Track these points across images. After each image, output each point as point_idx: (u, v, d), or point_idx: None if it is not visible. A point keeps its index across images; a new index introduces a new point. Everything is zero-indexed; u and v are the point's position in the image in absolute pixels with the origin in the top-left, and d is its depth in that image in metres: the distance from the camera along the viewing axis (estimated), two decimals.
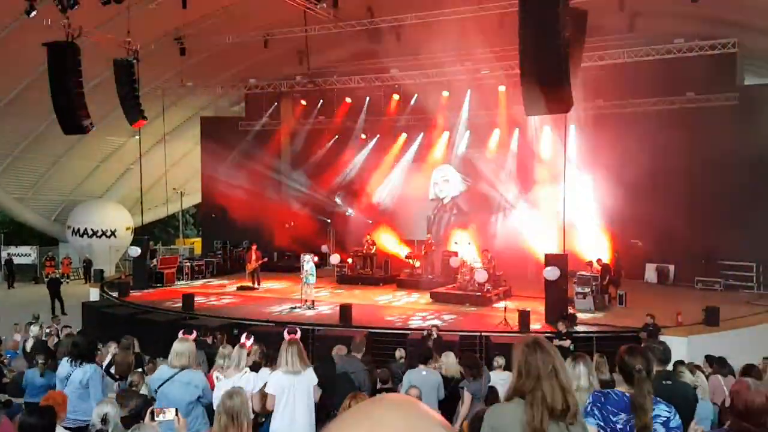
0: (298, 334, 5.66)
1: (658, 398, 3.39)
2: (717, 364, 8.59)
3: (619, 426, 3.30)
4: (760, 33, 18.07)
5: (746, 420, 3.26)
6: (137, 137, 21.28)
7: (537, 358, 2.71)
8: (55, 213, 28.77)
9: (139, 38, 16.65)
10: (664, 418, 3.30)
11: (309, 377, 5.47)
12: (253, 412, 5.03)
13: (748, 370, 6.22)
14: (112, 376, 7.18)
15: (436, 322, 14.23)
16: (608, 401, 3.37)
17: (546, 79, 10.57)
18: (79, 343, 6.03)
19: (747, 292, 18.24)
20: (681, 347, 11.31)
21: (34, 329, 9.82)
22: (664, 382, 4.17)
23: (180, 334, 5.62)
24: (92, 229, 27.31)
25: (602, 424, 3.33)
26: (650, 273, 20.78)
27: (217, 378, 5.59)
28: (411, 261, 20.94)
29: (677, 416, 3.32)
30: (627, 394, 3.37)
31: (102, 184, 29.32)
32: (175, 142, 28.03)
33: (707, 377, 7.98)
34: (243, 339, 5.96)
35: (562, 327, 11.94)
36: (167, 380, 5.30)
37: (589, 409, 3.36)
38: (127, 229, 28.10)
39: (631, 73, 18.65)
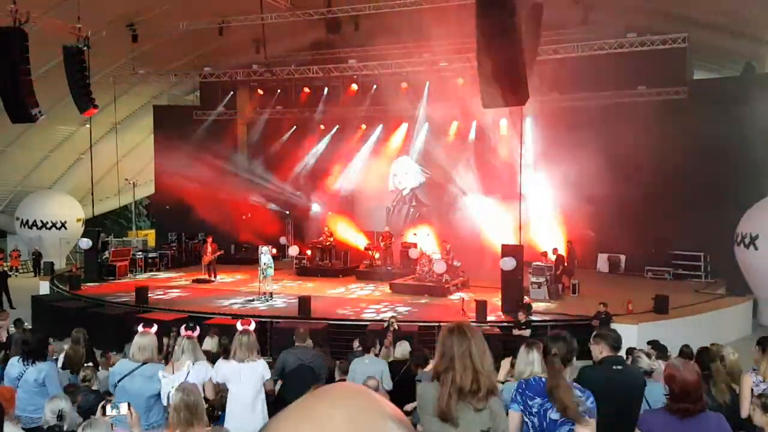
0: (252, 326, 5.66)
1: (573, 383, 3.51)
2: (658, 350, 8.84)
3: (534, 410, 3.42)
4: (708, 28, 18.59)
5: (684, 400, 3.36)
6: (88, 126, 20.71)
7: (453, 341, 2.82)
8: (2, 204, 27.85)
9: (90, 24, 16.17)
10: None
11: (259, 368, 5.52)
12: (206, 401, 5.00)
13: (701, 353, 6.35)
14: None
15: (394, 313, 14.32)
16: (528, 387, 3.49)
17: (502, 71, 10.67)
18: (29, 341, 5.85)
19: (695, 281, 18.82)
20: (631, 335, 11.60)
21: None
22: (614, 367, 4.29)
23: (140, 328, 5.52)
24: (42, 221, 26.53)
25: (523, 408, 3.45)
26: (602, 263, 21.26)
27: (162, 374, 5.48)
28: (370, 252, 20.96)
29: (590, 399, 3.41)
30: (544, 379, 3.48)
31: (52, 174, 28.47)
32: (127, 132, 27.39)
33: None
34: (183, 330, 5.86)
35: (521, 317, 12.15)
36: (127, 374, 5.21)
37: (513, 396, 3.50)
38: (78, 220, 27.37)
39: (585, 67, 18.96)
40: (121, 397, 5.01)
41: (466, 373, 2.73)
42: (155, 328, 5.67)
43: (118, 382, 5.25)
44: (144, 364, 5.24)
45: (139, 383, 5.16)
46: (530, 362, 4.09)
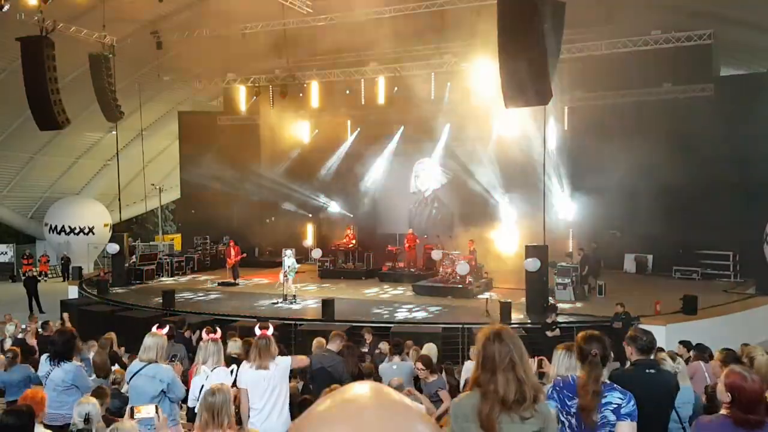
0: (270, 330, 5.61)
1: (615, 385, 3.38)
2: (697, 350, 8.69)
3: (573, 410, 3.32)
4: (734, 24, 18.27)
5: (752, 412, 3.19)
6: (114, 133, 21.04)
7: (494, 350, 2.70)
8: (31, 210, 28.35)
9: (115, 32, 16.44)
10: (615, 405, 3.28)
11: (280, 369, 5.46)
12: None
13: (731, 355, 6.19)
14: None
15: (426, 313, 14.27)
16: (566, 386, 3.39)
17: (524, 71, 10.61)
18: (56, 341, 5.95)
19: (724, 280, 18.50)
20: (660, 336, 11.39)
21: (10, 328, 9.68)
22: (647, 371, 4.15)
23: (153, 329, 5.58)
24: (70, 226, 26.96)
25: (560, 407, 3.35)
26: (629, 263, 20.99)
27: (198, 373, 5.56)
28: (393, 254, 20.95)
29: (631, 402, 3.29)
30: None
31: (79, 180, 28.94)
32: (152, 137, 27.74)
33: (686, 362, 8.06)
34: (204, 335, 5.91)
35: (550, 318, 12.03)
36: (135, 374, 5.32)
37: (549, 393, 3.39)
38: (105, 225, 27.78)
39: (610, 65, 18.72)
40: (131, 396, 5.11)
41: (509, 384, 2.64)
42: (167, 329, 5.73)
43: (129, 380, 5.39)
44: (149, 363, 5.30)
45: (142, 383, 5.24)
46: (572, 367, 3.97)
